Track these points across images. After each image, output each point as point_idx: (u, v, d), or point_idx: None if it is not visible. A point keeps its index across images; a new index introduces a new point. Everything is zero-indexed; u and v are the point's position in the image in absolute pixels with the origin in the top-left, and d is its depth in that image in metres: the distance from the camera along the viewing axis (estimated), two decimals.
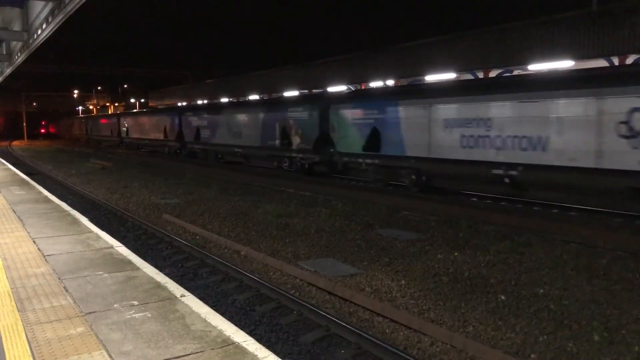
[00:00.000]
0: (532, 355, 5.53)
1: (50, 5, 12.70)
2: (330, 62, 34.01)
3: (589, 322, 6.23)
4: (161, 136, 36.30)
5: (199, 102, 49.10)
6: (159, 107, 57.35)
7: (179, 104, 50.99)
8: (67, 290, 5.39)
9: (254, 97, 39.24)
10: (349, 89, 31.02)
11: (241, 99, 40.06)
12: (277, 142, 22.95)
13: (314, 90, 33.54)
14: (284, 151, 22.68)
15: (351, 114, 18.79)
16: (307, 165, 21.49)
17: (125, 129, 45.25)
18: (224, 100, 43.02)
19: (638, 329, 6.00)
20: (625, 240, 9.96)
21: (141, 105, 70.59)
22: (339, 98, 21.00)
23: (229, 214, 13.61)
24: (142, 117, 43.13)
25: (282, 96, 33.72)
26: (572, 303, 6.87)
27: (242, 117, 26.33)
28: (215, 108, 31.16)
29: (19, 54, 20.10)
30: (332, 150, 19.97)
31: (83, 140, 62.42)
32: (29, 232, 8.30)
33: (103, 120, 55.29)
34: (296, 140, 21.63)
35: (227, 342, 4.10)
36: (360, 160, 18.31)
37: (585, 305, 6.80)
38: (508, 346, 5.74)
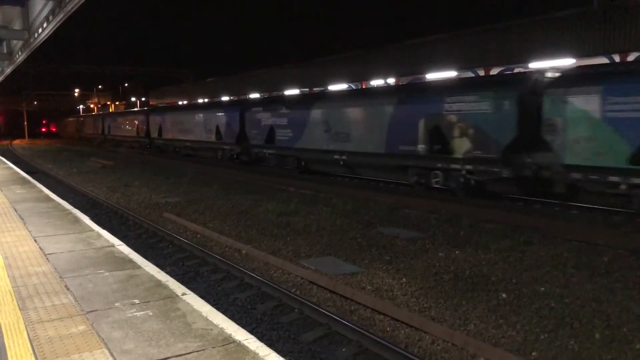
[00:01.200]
0: (533, 354, 5.53)
1: (50, 4, 12.69)
2: (332, 60, 33.96)
3: (590, 320, 6.23)
4: (211, 137, 29.49)
5: (278, 92, 36.73)
6: (211, 101, 45.29)
7: (244, 97, 39.79)
8: (68, 289, 5.39)
9: (379, 81, 28.16)
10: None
11: (359, 86, 30.12)
12: (422, 147, 16.10)
13: (506, 67, 22.95)
14: (434, 160, 15.85)
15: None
16: (473, 182, 15.07)
17: (156, 128, 38.17)
18: (318, 89, 32.43)
19: (639, 327, 6.00)
20: (626, 238, 9.96)
21: (142, 104, 70.18)
22: (597, 73, 12.97)
23: (229, 212, 13.61)
24: (182, 114, 35.30)
25: (431, 81, 23.18)
26: (573, 301, 6.87)
27: (352, 112, 19.08)
28: (303, 101, 23.44)
29: (19, 53, 20.09)
30: (535, 160, 13.37)
31: (98, 141, 54.42)
32: (30, 231, 8.31)
33: (126, 118, 47.53)
34: (462, 145, 14.95)
35: (229, 341, 4.11)
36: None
37: (587, 303, 6.80)
38: (509, 344, 5.74)
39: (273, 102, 26.06)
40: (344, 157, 19.26)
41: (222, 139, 28.55)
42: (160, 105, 57.04)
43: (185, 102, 50.40)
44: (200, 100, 47.97)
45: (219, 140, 28.94)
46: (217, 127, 28.97)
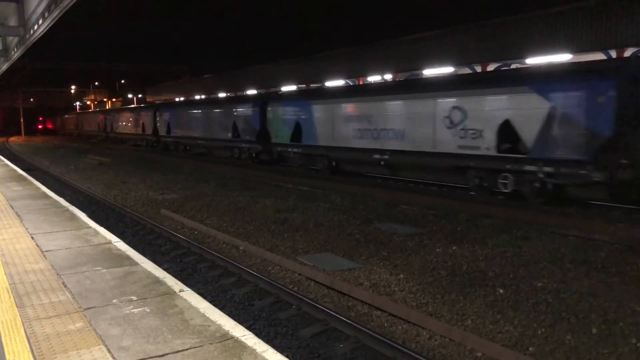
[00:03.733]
0: (530, 349, 5.55)
1: (46, 0, 12.65)
2: (330, 56, 33.90)
3: (587, 315, 6.25)
4: (472, 145, 14.31)
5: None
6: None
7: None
8: (65, 286, 5.39)
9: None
10: (346, 83, 30.94)
11: None
12: None
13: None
14: None
15: None
16: None
17: (287, 125, 22.32)
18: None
19: (635, 322, 6.02)
20: (623, 233, 9.99)
21: (139, 101, 69.45)
22: None
23: (227, 209, 13.61)
24: (366, 100, 18.68)
25: None
26: (570, 296, 6.89)
27: None
28: None
29: (15, 50, 20.03)
30: None
31: (147, 143, 39.72)
32: (27, 228, 8.29)
33: (210, 111, 29.56)
34: None
35: (226, 337, 4.11)
36: None
37: (584, 298, 6.82)
38: (506, 339, 5.76)
39: None
40: None
41: (526, 150, 13.19)
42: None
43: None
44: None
45: (516, 155, 13.48)
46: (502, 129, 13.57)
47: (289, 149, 22.53)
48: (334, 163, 20.56)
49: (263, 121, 24.41)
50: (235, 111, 26.83)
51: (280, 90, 32.30)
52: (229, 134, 27.00)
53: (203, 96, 47.95)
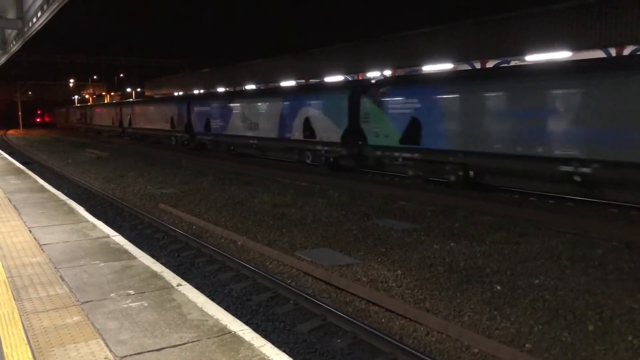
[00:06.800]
0: (526, 345, 5.57)
1: None
2: (330, 51, 33.70)
3: (583, 312, 6.27)
4: None
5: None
6: None
7: None
8: (63, 279, 5.38)
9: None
10: (345, 78, 30.86)
11: None
12: None
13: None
14: None
15: None
16: None
17: None
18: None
19: (632, 319, 6.04)
20: (620, 230, 10.01)
21: (137, 95, 69.11)
22: None
23: (225, 203, 13.60)
24: None
25: None
26: (567, 293, 6.91)
27: None
28: None
29: (13, 42, 19.93)
30: None
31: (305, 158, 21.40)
32: (24, 221, 8.27)
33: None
34: None
35: (224, 331, 4.11)
36: None
37: (580, 295, 6.84)
38: (503, 336, 5.78)
39: None
40: None
41: None
42: None
43: None
44: None
45: None
46: None
47: None
48: None
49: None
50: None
51: None
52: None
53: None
